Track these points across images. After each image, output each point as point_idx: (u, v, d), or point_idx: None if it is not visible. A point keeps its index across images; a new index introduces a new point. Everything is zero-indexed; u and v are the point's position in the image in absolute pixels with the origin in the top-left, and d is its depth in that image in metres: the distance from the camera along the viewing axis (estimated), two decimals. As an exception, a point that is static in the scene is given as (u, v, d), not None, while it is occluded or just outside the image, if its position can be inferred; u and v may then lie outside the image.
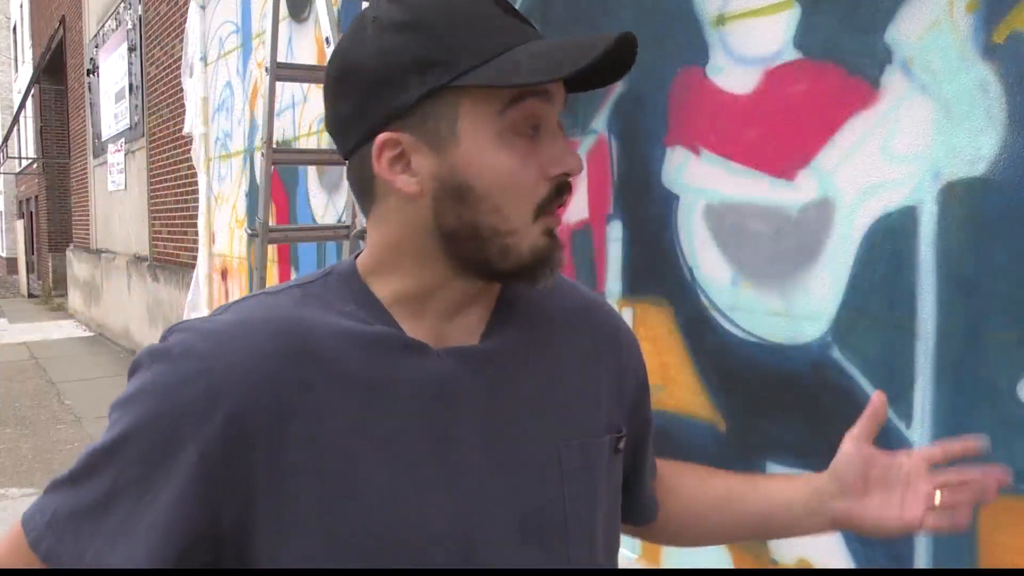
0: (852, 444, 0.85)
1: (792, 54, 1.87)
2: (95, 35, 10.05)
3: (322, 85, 0.76)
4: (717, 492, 0.95)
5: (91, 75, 10.28)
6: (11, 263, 24.43)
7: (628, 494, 0.91)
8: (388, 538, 0.68)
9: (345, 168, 0.76)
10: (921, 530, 0.81)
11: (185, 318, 6.16)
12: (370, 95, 0.68)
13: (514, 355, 0.77)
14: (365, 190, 0.73)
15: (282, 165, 4.36)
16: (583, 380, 0.82)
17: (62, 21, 12.79)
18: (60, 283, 15.20)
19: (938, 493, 0.82)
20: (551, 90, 0.71)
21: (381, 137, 0.68)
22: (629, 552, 2.43)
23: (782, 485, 0.91)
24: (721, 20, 2.04)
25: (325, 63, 3.22)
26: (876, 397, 0.86)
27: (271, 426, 0.66)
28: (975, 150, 1.53)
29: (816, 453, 1.86)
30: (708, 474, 0.99)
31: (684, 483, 0.97)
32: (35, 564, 0.67)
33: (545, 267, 0.71)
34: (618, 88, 2.37)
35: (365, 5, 3.05)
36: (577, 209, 2.55)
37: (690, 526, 0.96)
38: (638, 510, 0.95)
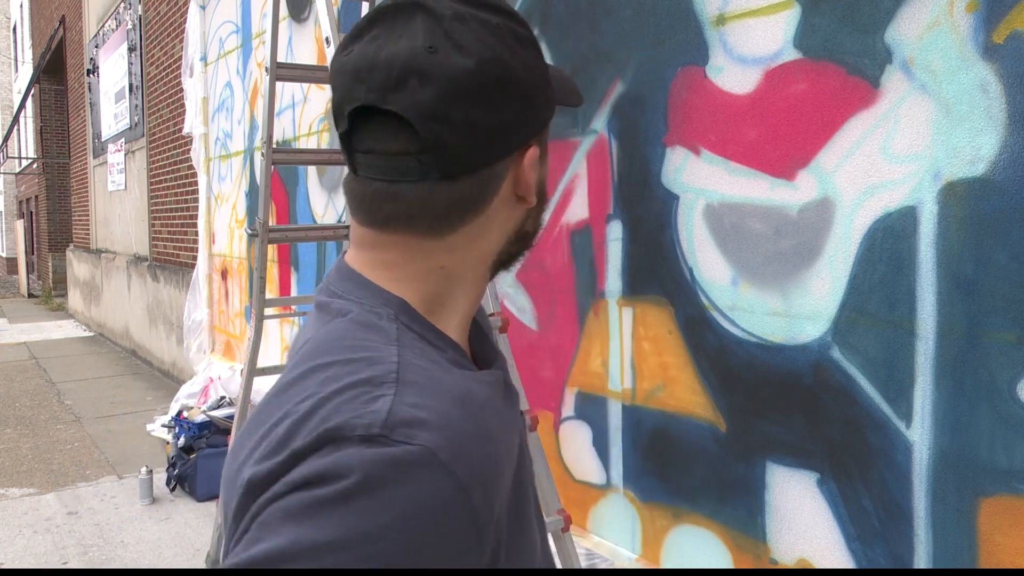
0: None
1: (792, 54, 1.87)
2: (95, 35, 10.05)
3: (448, 90, 0.64)
4: None
5: (91, 75, 10.27)
6: (11, 263, 24.43)
7: None
8: (532, 565, 0.71)
9: (423, 186, 0.65)
10: None
11: (185, 319, 6.16)
12: (530, 107, 0.68)
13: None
14: (472, 207, 0.67)
15: (282, 165, 4.35)
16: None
17: (62, 21, 12.79)
18: (60, 283, 15.20)
19: None
20: None
21: (535, 150, 0.70)
22: (629, 552, 2.43)
23: None
24: (721, 20, 2.04)
25: (326, 63, 3.21)
26: None
27: (502, 505, 0.63)
28: (975, 150, 1.53)
29: (816, 453, 1.86)
30: None
31: None
32: None
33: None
34: (618, 88, 2.37)
35: (365, 5, 3.05)
36: (577, 209, 2.55)
37: None
38: None
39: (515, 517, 0.67)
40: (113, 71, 9.10)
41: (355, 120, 0.65)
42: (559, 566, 2.16)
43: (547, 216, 0.79)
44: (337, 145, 3.81)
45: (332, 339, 0.65)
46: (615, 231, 2.41)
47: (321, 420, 0.57)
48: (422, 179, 0.64)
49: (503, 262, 0.75)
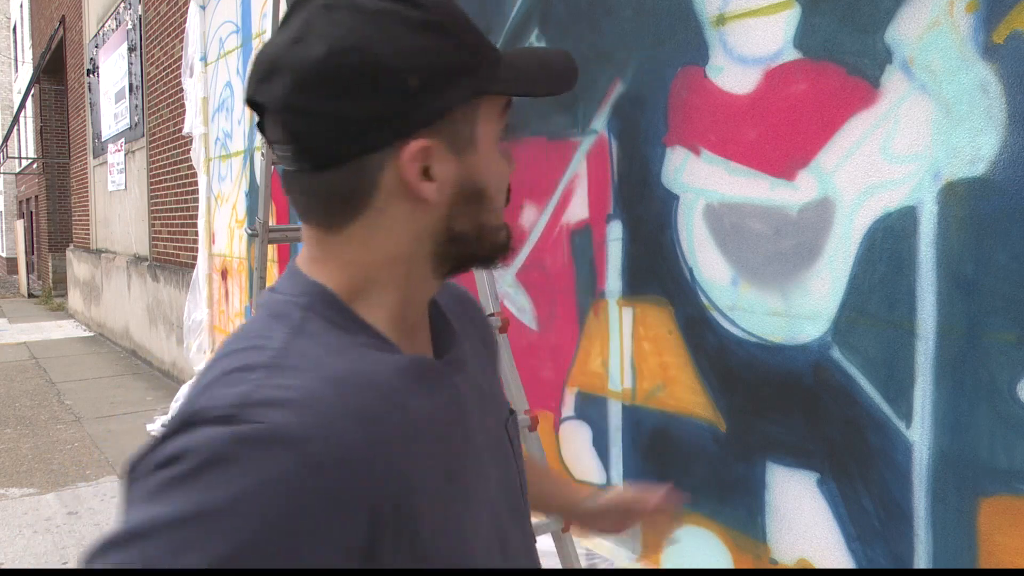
0: (623, 504, 1.04)
1: (792, 54, 1.87)
2: (95, 35, 10.04)
3: (297, 81, 0.63)
4: None
5: (91, 75, 10.27)
6: (11, 263, 24.43)
7: None
8: (463, 561, 0.68)
9: (306, 176, 0.66)
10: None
11: (185, 319, 6.16)
12: (403, 99, 0.63)
13: (468, 354, 0.79)
14: (354, 201, 0.66)
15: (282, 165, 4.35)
16: (488, 363, 0.86)
17: (62, 21, 12.78)
18: (60, 283, 15.20)
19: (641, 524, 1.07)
20: None
21: (417, 144, 0.64)
22: (629, 552, 2.43)
23: (560, 492, 1.08)
24: (721, 20, 2.04)
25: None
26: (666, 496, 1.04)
27: (394, 492, 0.61)
28: (975, 150, 1.53)
29: (816, 453, 1.86)
30: None
31: None
32: None
33: (511, 250, 0.75)
34: (618, 88, 2.37)
35: None
36: (577, 209, 2.55)
37: None
38: None
39: (439, 505, 0.65)
40: (113, 71, 9.09)
41: (258, 112, 0.67)
42: (559, 566, 2.16)
43: (492, 218, 0.71)
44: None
45: (237, 333, 0.67)
46: (615, 231, 2.41)
47: (189, 406, 0.59)
48: (300, 170, 0.66)
49: (455, 264, 0.71)
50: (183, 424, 0.57)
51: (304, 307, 0.67)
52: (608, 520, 1.05)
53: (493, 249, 0.72)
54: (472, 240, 0.70)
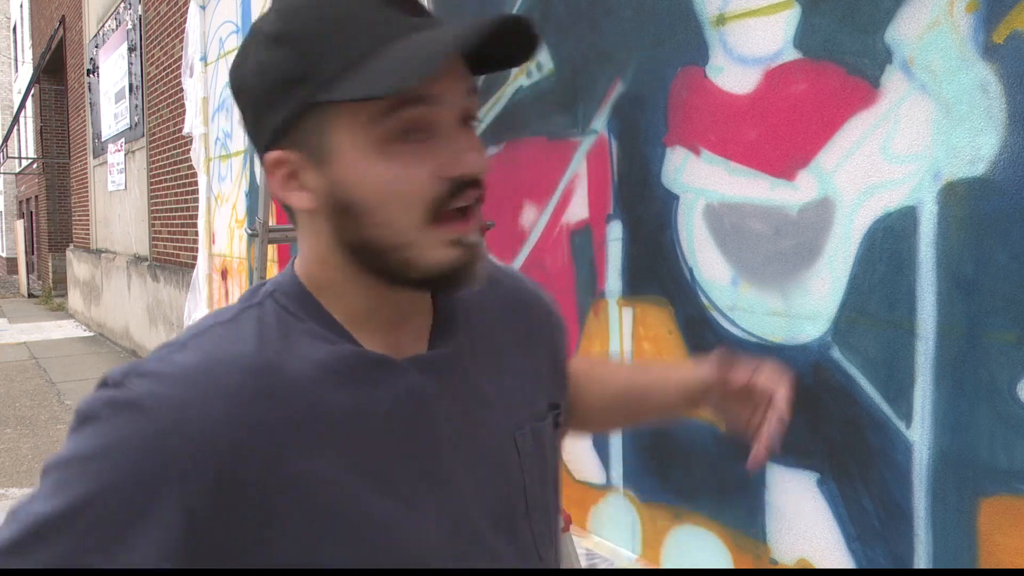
0: (737, 374, 0.97)
1: (792, 54, 1.87)
2: (95, 35, 10.04)
3: None
4: (617, 392, 1.02)
5: (91, 75, 10.27)
6: (11, 263, 24.42)
7: None
8: (391, 564, 0.68)
9: None
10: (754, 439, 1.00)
11: (185, 319, 6.16)
12: (256, 114, 0.69)
13: (465, 355, 0.77)
14: (281, 205, 0.74)
15: (282, 165, 4.35)
16: (524, 365, 0.84)
17: (62, 21, 12.78)
18: (60, 283, 15.20)
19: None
20: (435, 92, 0.64)
21: (271, 156, 0.68)
22: (629, 552, 2.43)
23: (671, 383, 1.01)
24: (721, 20, 2.04)
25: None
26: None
27: (262, 473, 0.63)
28: (975, 150, 1.53)
29: (816, 453, 1.86)
30: (610, 372, 1.06)
31: (591, 384, 1.00)
32: None
33: (458, 280, 0.68)
34: (618, 88, 2.37)
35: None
36: (577, 209, 2.55)
37: (591, 420, 1.03)
38: None
39: (341, 496, 0.66)
40: (113, 71, 9.10)
41: None
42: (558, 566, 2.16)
43: (386, 233, 0.64)
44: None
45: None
46: (615, 231, 2.41)
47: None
48: None
49: (391, 278, 0.68)
50: (97, 385, 0.66)
51: (268, 293, 0.72)
52: (736, 405, 0.99)
53: (412, 268, 0.66)
54: (369, 253, 0.67)
